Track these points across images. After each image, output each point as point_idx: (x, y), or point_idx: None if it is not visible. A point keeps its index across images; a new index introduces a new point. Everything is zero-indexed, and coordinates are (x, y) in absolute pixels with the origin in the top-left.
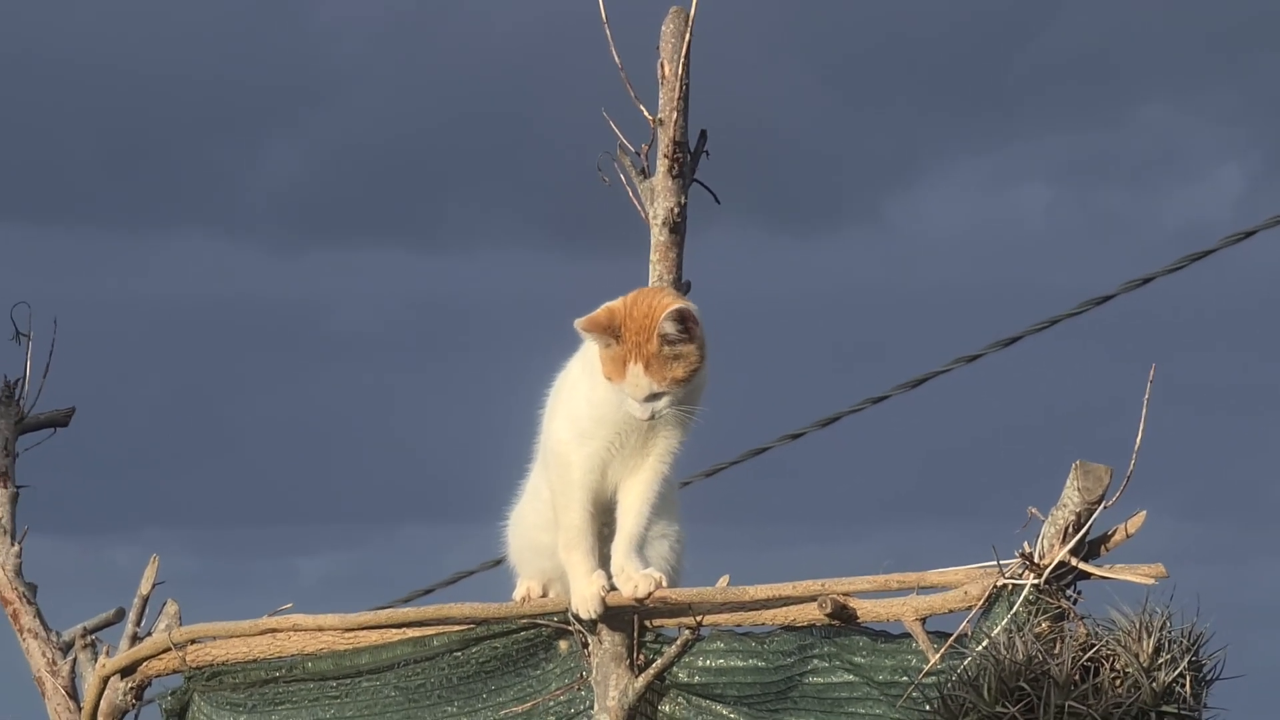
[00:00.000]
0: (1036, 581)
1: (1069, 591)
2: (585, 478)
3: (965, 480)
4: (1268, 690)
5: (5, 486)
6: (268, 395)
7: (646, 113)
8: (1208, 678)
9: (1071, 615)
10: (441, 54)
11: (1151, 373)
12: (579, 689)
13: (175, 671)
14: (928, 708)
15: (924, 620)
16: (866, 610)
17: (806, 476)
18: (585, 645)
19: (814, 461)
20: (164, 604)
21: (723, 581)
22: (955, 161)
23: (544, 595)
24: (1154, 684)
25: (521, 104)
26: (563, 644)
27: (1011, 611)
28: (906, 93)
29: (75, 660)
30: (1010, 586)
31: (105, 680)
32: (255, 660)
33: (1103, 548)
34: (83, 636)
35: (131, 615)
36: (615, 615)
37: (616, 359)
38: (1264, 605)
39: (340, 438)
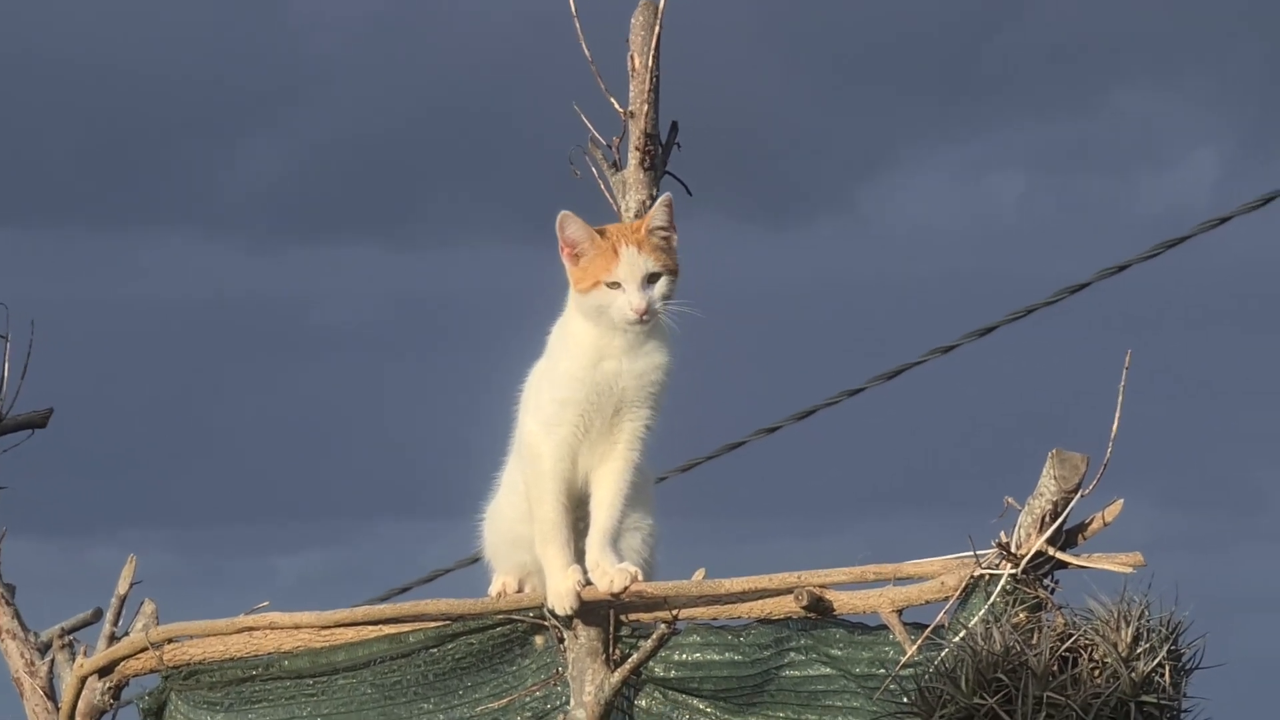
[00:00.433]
0: (1014, 571)
1: (1046, 581)
2: (556, 467)
3: (941, 471)
4: (1247, 678)
5: None
6: (245, 394)
7: (617, 105)
8: (1187, 667)
9: (1049, 605)
10: (416, 52)
11: (1127, 360)
12: (555, 684)
13: (153, 671)
14: (905, 700)
15: (900, 612)
16: (843, 602)
17: (782, 470)
18: (561, 640)
19: (790, 455)
20: (141, 603)
21: (698, 575)
22: (928, 151)
23: (519, 590)
24: (1133, 674)
25: (494, 99)
26: (539, 639)
27: (989, 602)
28: (878, 82)
29: (53, 660)
30: (987, 577)
31: (83, 680)
32: (232, 659)
33: (1080, 537)
34: (60, 637)
35: (109, 615)
36: (591, 610)
37: (603, 253)
38: (1243, 593)
39: (317, 435)
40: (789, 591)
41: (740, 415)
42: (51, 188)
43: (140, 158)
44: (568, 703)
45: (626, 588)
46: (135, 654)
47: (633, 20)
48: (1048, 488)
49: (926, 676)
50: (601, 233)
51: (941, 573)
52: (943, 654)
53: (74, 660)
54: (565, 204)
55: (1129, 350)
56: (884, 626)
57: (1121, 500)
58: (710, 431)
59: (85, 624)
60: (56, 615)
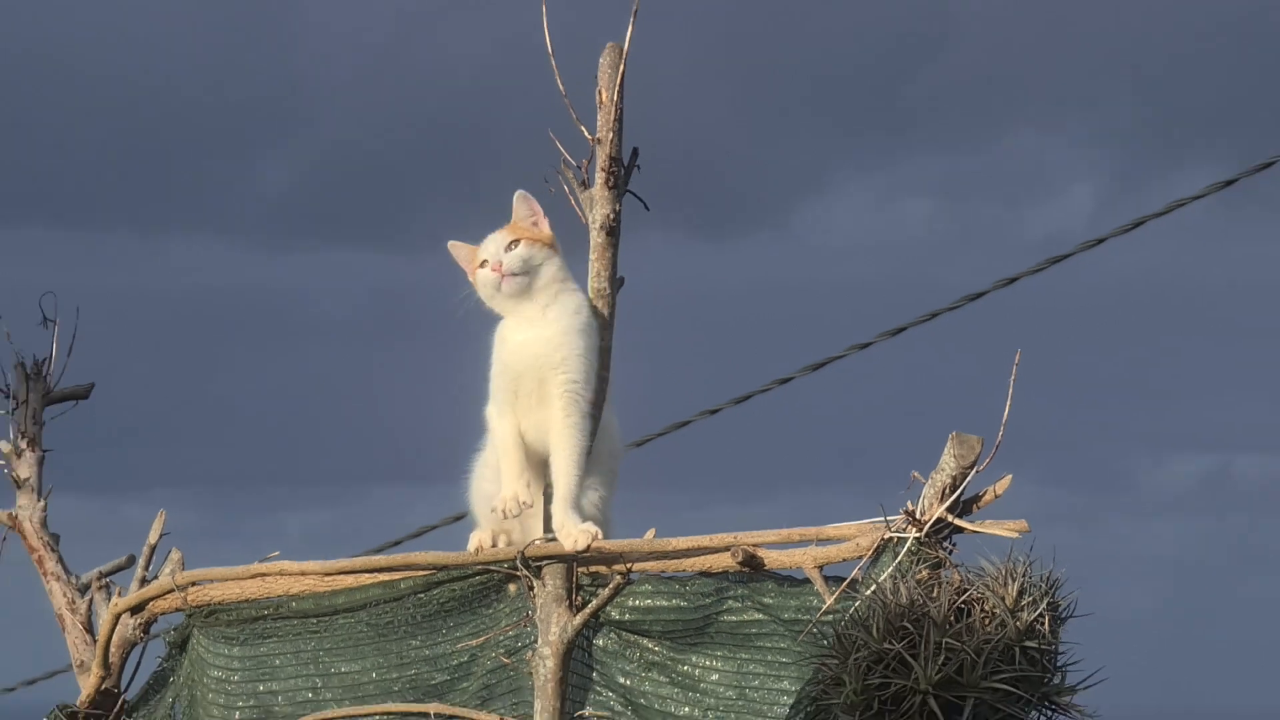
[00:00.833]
0: (918, 535)
1: (945, 544)
2: (507, 440)
3: (858, 448)
4: (1111, 626)
5: (34, 450)
6: (257, 374)
7: (586, 133)
8: (1063, 616)
9: (947, 564)
10: (408, 83)
11: (1017, 359)
12: (525, 626)
13: (178, 610)
14: (824, 643)
15: (822, 568)
16: (773, 559)
17: (722, 447)
18: (530, 588)
19: (729, 434)
20: (169, 552)
21: (650, 534)
22: (851, 177)
23: (494, 545)
24: (1018, 622)
25: (478, 125)
26: (511, 587)
27: (896, 561)
28: (810, 118)
29: (91, 600)
30: (895, 539)
31: (117, 617)
32: (247, 600)
33: (974, 506)
34: (98, 579)
35: (140, 561)
36: (556, 563)
37: (480, 251)
38: (1107, 555)
39: (319, 410)
40: (727, 549)
41: (686, 398)
42: (93, 194)
43: (168, 171)
44: (536, 641)
45: (589, 545)
46: (163, 595)
47: (600, 60)
48: (948, 464)
49: (843, 624)
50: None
51: (857, 535)
52: (857, 605)
53: (110, 600)
54: (543, 214)
55: (1019, 350)
56: (808, 580)
57: (1010, 476)
58: (661, 412)
59: (119, 569)
60: (94, 561)
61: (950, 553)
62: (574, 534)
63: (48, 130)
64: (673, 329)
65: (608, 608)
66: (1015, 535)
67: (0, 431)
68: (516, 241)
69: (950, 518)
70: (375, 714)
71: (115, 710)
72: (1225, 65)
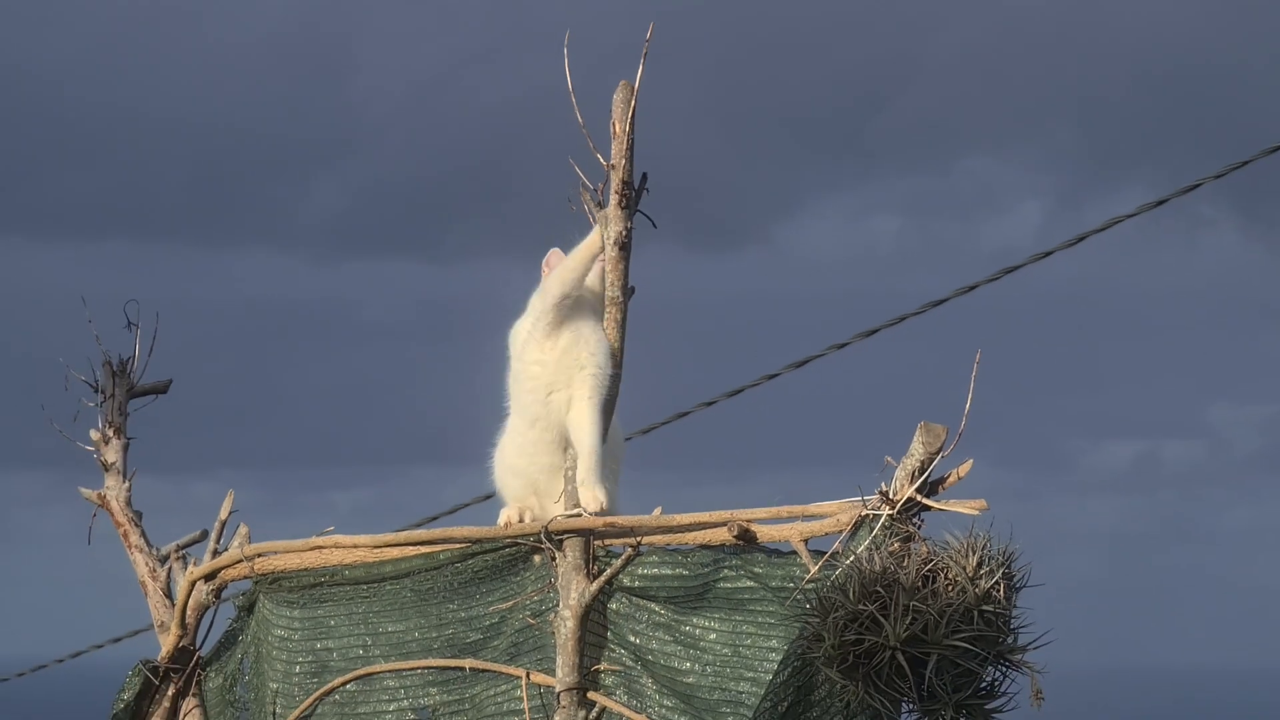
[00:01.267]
0: (891, 512)
1: (914, 520)
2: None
3: (838, 437)
4: (1060, 595)
5: (119, 438)
6: (311, 371)
7: (602, 159)
8: (1017, 585)
9: (916, 538)
10: (450, 115)
11: (978, 358)
12: (548, 591)
13: (245, 578)
14: (808, 606)
15: (806, 541)
16: (764, 533)
17: (719, 433)
18: (553, 559)
19: (725, 423)
20: (237, 527)
21: (656, 512)
22: (827, 198)
23: (521, 520)
24: (977, 589)
25: (509, 153)
26: (536, 558)
27: (871, 535)
28: (791, 146)
29: (170, 569)
30: (871, 516)
31: (193, 584)
32: (306, 569)
33: (940, 487)
34: (176, 551)
35: (213, 535)
36: (575, 537)
37: None
38: (1057, 530)
39: (367, 402)
40: (724, 524)
41: (687, 392)
42: (169, 214)
43: (235, 192)
44: (557, 604)
45: (602, 507)
46: (233, 565)
47: (614, 96)
48: (917, 450)
49: (824, 589)
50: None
51: (837, 512)
52: (837, 572)
53: (186, 569)
54: (563, 232)
55: (979, 350)
56: (794, 552)
57: (971, 461)
58: (664, 404)
59: (194, 542)
60: (172, 535)
61: (919, 528)
62: (588, 497)
63: (131, 156)
64: (674, 331)
65: (620, 576)
66: (976, 513)
67: (90, 421)
68: None
69: (919, 497)
70: (418, 668)
71: (191, 664)
72: (1157, 98)
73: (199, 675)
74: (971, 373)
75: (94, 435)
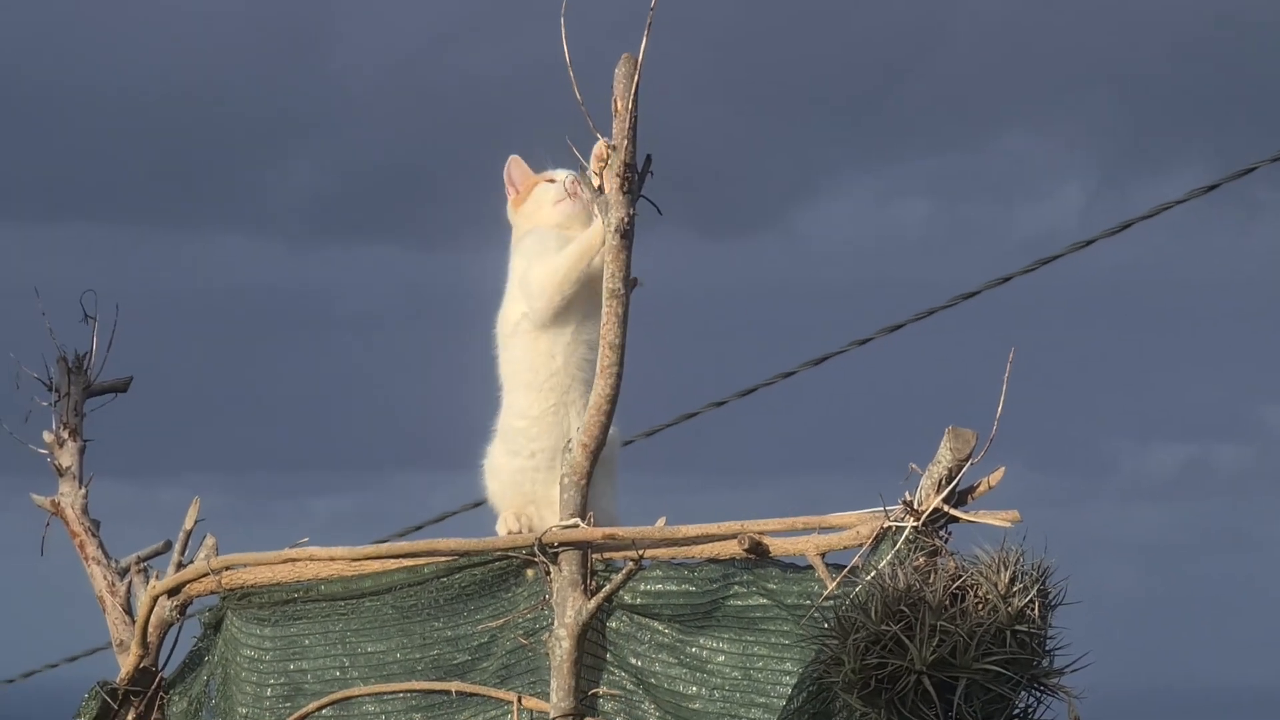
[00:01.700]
0: (915, 524)
1: (941, 532)
2: None
3: (858, 441)
4: (1099, 611)
5: (75, 440)
6: (287, 365)
7: (602, 139)
8: (1053, 603)
9: (943, 552)
10: (435, 92)
11: (1011, 355)
12: (542, 608)
13: (213, 593)
14: (825, 626)
15: (824, 555)
16: (777, 546)
17: (729, 437)
18: (547, 573)
19: (736, 424)
20: (204, 537)
21: (660, 522)
22: (850, 180)
23: (518, 528)
24: (1009, 608)
25: (501, 131)
26: (529, 572)
27: (895, 548)
28: (810, 124)
29: (130, 583)
30: (894, 528)
31: (155, 599)
32: (278, 584)
33: (969, 497)
34: (137, 563)
35: (177, 546)
36: (572, 549)
37: None
38: (1096, 540)
39: (346, 400)
40: (734, 537)
41: (695, 391)
42: (132, 195)
43: (202, 172)
44: (552, 624)
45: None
46: (198, 578)
47: (616, 71)
48: (944, 457)
49: (844, 607)
50: None
51: (857, 524)
52: (857, 590)
53: (148, 583)
54: None
55: (1013, 348)
56: (810, 566)
57: (1004, 468)
58: (670, 403)
59: (157, 553)
60: (133, 545)
61: (946, 541)
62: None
63: (90, 131)
64: (681, 325)
65: (620, 592)
66: (1008, 525)
67: (43, 422)
68: None
69: (946, 508)
70: (400, 691)
71: (153, 687)
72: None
73: (161, 699)
74: (1004, 372)
75: (47, 437)
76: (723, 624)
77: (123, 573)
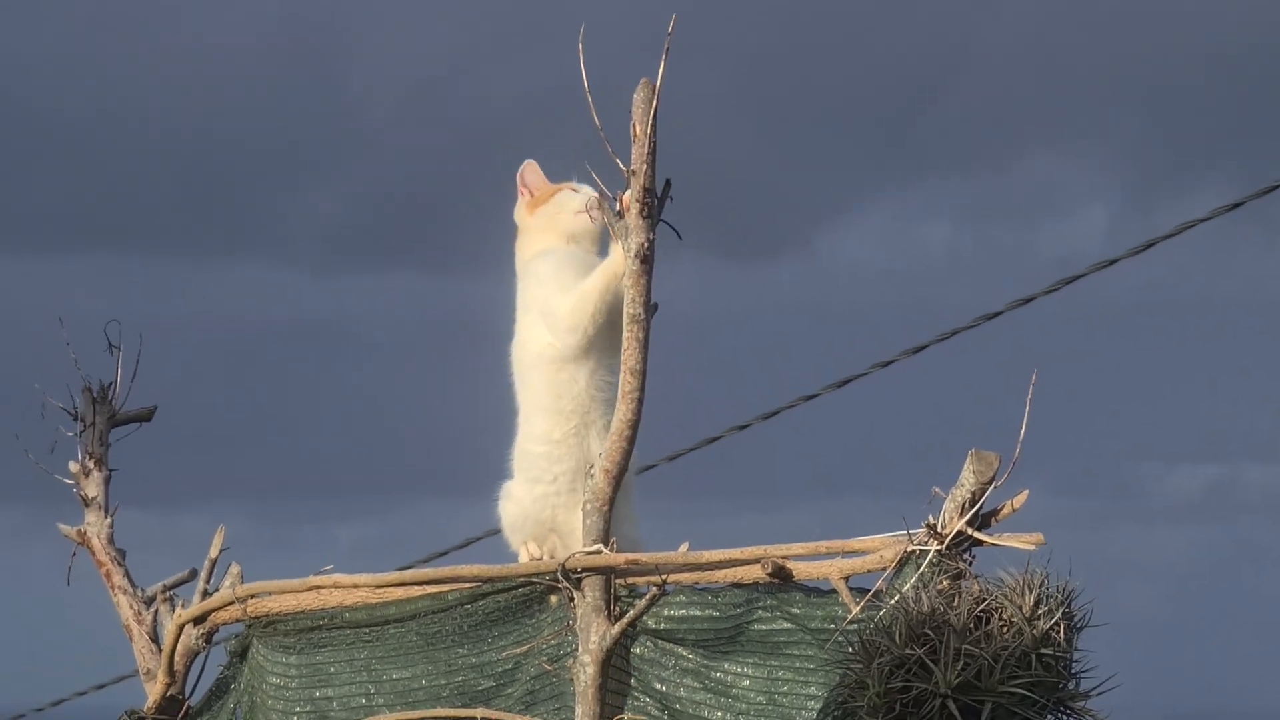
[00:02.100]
0: (939, 547)
1: (965, 556)
2: None
3: (881, 464)
4: (1126, 634)
5: (100, 470)
6: (310, 393)
7: (622, 165)
8: (1078, 626)
9: (967, 575)
10: (452, 117)
11: (1034, 377)
12: (566, 634)
13: (238, 620)
14: (850, 650)
15: (848, 579)
16: (801, 570)
17: (752, 460)
18: (571, 599)
19: (759, 448)
20: (229, 565)
21: (683, 547)
22: (873, 202)
23: (541, 554)
24: (1035, 631)
25: (520, 156)
26: (553, 598)
27: (918, 572)
28: (833, 146)
29: (156, 611)
30: (918, 552)
31: (181, 628)
32: (303, 611)
33: (993, 520)
34: (163, 592)
35: (202, 574)
36: (595, 575)
37: None
38: (1123, 563)
39: (370, 427)
40: (757, 561)
41: (717, 415)
42: (156, 226)
43: (224, 200)
44: (576, 649)
45: None
46: (224, 606)
47: (634, 96)
48: (967, 480)
49: (868, 631)
50: None
51: (881, 548)
52: (881, 613)
53: (174, 611)
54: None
55: (1036, 369)
56: (834, 590)
57: (1028, 491)
58: (692, 428)
59: (182, 582)
60: (159, 574)
61: (970, 564)
62: None
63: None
64: (703, 350)
65: (644, 617)
66: (1032, 548)
67: (69, 452)
68: None
69: (970, 531)
70: (425, 718)
71: (180, 715)
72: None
73: None
74: (1028, 394)
75: (73, 467)
76: (747, 649)
77: (149, 601)
